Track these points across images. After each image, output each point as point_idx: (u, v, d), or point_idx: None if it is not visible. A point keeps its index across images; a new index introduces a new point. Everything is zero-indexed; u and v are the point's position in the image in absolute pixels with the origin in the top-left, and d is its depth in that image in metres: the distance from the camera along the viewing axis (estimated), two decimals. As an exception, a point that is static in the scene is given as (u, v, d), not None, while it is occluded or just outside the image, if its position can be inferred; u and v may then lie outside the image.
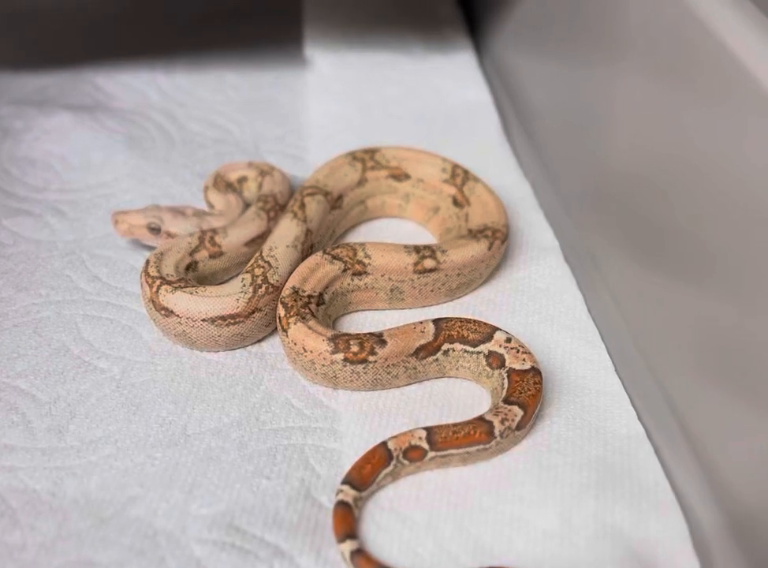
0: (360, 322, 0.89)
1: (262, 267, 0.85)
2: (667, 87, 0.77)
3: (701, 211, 0.73)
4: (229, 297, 0.82)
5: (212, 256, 0.88)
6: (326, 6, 1.34)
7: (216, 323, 0.81)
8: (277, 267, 0.85)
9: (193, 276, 0.87)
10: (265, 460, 0.74)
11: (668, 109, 0.77)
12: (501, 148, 1.14)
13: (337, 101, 1.21)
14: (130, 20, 1.31)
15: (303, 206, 0.91)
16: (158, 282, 0.82)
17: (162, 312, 0.81)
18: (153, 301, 0.82)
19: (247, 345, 0.85)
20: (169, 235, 0.91)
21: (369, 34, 1.30)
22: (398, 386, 0.82)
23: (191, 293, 0.82)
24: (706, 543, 0.69)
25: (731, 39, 0.67)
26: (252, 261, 0.86)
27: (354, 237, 0.99)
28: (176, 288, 0.82)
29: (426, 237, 1.00)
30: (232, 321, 0.81)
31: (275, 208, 0.94)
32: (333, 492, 0.72)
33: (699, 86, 0.72)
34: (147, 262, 0.85)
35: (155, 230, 0.91)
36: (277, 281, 0.84)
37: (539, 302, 0.91)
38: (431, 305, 0.91)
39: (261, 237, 0.91)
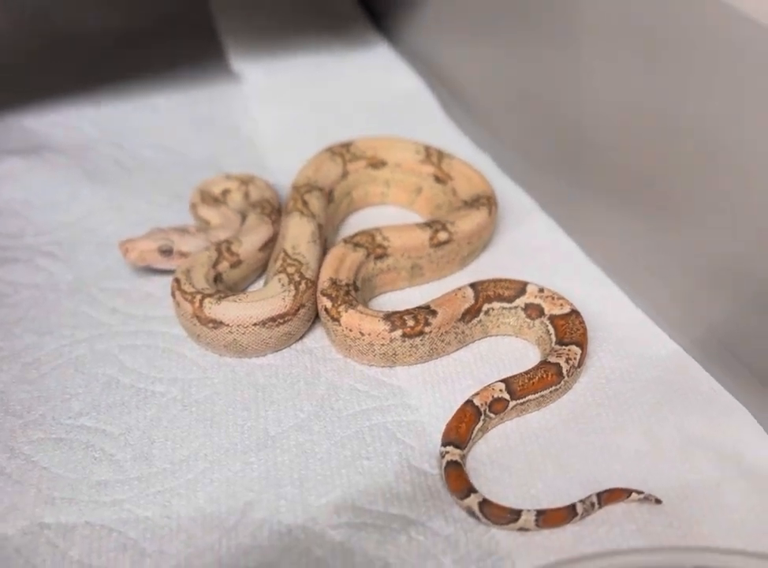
0: (384, 304, 0.91)
1: (293, 265, 0.86)
2: (624, 47, 0.85)
3: (668, 151, 0.81)
4: (274, 298, 0.82)
5: (233, 266, 0.89)
6: (237, 19, 1.36)
7: (267, 325, 0.82)
8: (307, 263, 0.86)
9: (221, 287, 0.87)
10: (357, 443, 0.76)
11: (627, 66, 0.85)
12: (448, 127, 1.19)
13: (279, 107, 1.23)
14: (38, 59, 1.28)
15: (306, 203, 0.93)
16: (198, 296, 0.82)
17: (210, 325, 0.81)
18: (197, 316, 0.82)
19: (291, 344, 0.86)
20: (182, 254, 0.90)
21: (287, 41, 1.33)
22: (449, 353, 0.85)
23: (236, 301, 0.82)
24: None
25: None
26: (280, 262, 0.87)
27: (347, 229, 1.02)
28: (219, 298, 0.82)
29: (412, 218, 1.03)
30: (281, 321, 0.82)
31: (274, 212, 0.95)
32: (432, 459, 0.75)
33: (660, 38, 0.80)
34: (178, 281, 0.84)
35: (167, 252, 0.90)
36: (312, 276, 0.86)
37: (540, 257, 0.97)
38: (446, 277, 0.95)
39: (271, 241, 0.92)
